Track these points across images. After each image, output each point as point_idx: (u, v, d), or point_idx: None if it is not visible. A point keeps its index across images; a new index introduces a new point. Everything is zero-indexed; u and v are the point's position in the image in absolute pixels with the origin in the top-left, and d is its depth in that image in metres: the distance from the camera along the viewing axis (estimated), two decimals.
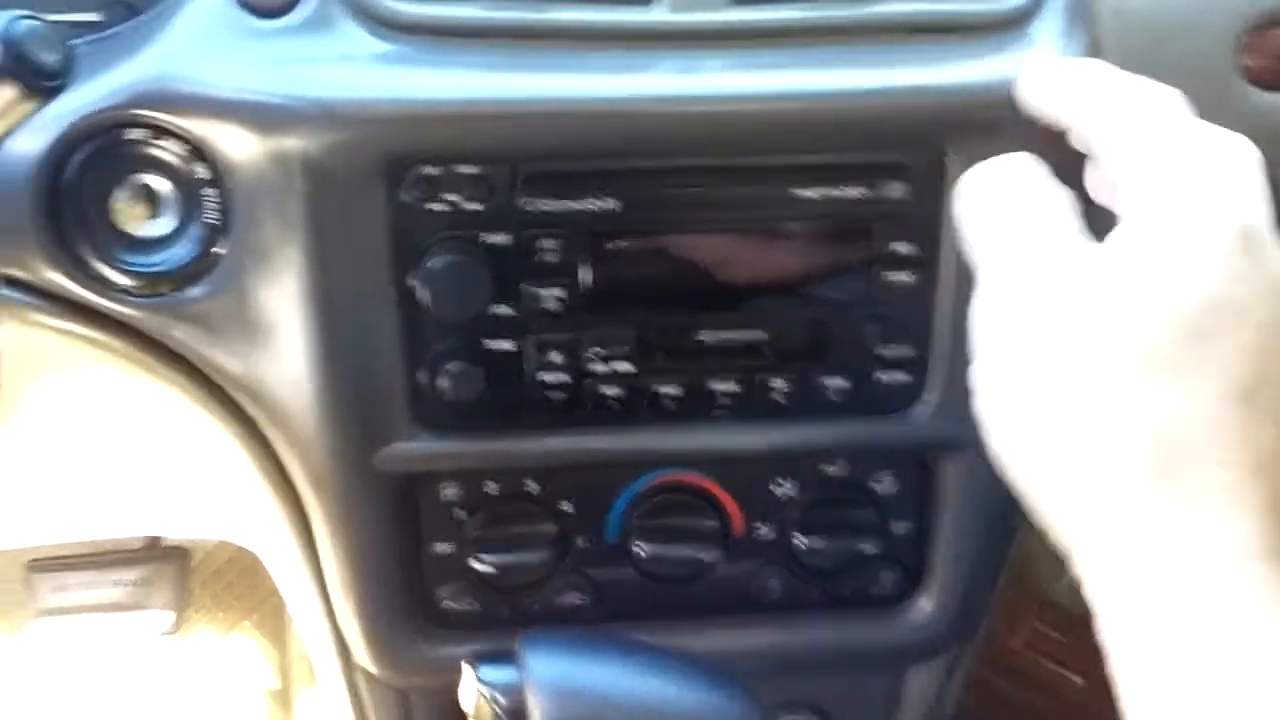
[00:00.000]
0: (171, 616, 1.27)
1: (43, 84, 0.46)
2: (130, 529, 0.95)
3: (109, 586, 1.26)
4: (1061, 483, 0.41)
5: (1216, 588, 0.37)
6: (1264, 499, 0.38)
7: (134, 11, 0.56)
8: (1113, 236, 0.41)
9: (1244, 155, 0.42)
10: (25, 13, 0.47)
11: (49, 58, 0.46)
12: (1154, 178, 0.42)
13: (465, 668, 0.53)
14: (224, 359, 0.58)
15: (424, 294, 0.55)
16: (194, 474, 0.72)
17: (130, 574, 1.28)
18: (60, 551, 1.26)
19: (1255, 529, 0.37)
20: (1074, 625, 1.59)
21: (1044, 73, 0.50)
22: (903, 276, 0.58)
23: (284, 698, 1.50)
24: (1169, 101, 0.44)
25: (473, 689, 0.52)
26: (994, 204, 0.45)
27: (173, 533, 0.99)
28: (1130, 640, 0.39)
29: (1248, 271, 0.39)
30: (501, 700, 0.51)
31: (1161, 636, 0.38)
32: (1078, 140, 0.47)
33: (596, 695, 0.51)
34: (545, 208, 0.55)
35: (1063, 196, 0.44)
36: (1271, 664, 0.36)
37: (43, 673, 1.28)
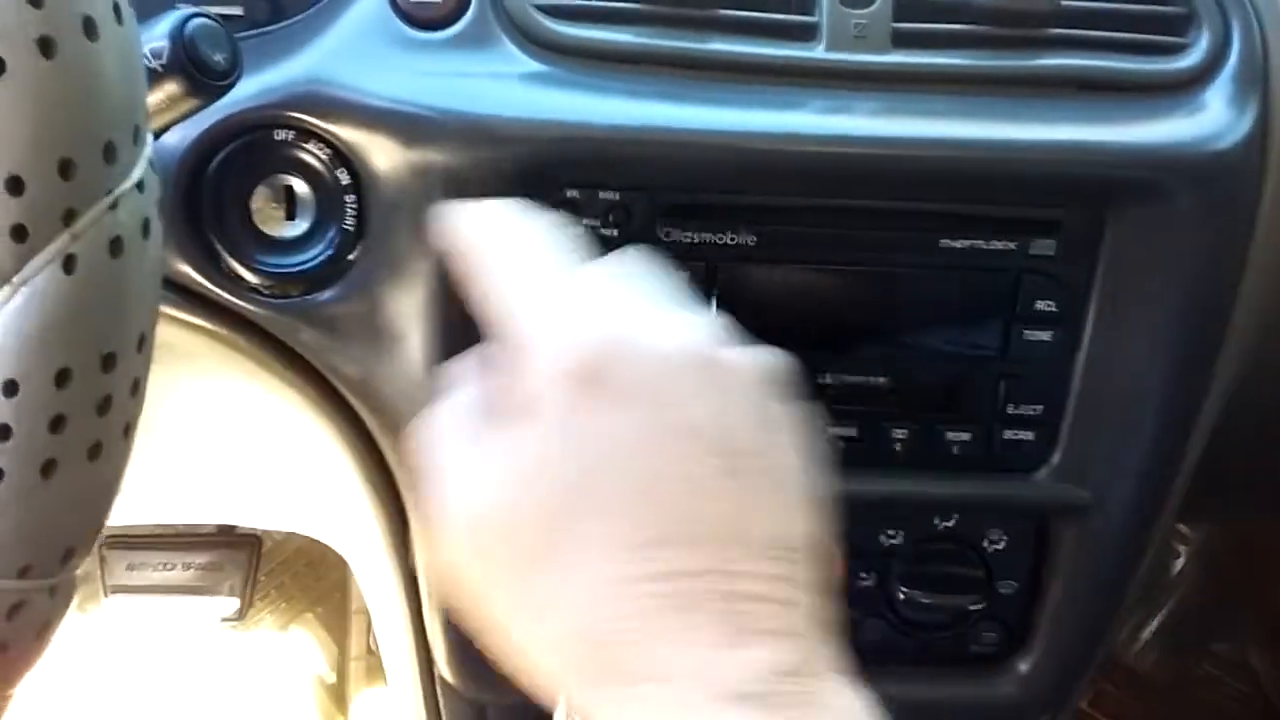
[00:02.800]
0: (236, 603, 1.28)
1: (210, 83, 0.46)
2: (231, 517, 0.95)
3: (179, 569, 1.28)
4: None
5: None
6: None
7: (275, 6, 0.56)
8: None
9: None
10: (194, 9, 0.47)
11: (218, 56, 0.46)
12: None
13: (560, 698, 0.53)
14: (347, 363, 0.58)
15: None
16: (298, 473, 0.73)
17: (201, 558, 1.29)
18: (134, 530, 1.28)
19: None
20: (1143, 690, 1.56)
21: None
22: (1043, 335, 0.56)
23: (339, 695, 1.51)
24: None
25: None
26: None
27: (268, 525, 1.00)
28: None
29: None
30: None
31: None
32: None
33: None
34: (684, 239, 0.55)
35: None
36: None
37: (109, 649, 1.29)
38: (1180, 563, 1.50)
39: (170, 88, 0.46)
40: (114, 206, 0.31)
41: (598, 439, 0.33)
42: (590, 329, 0.34)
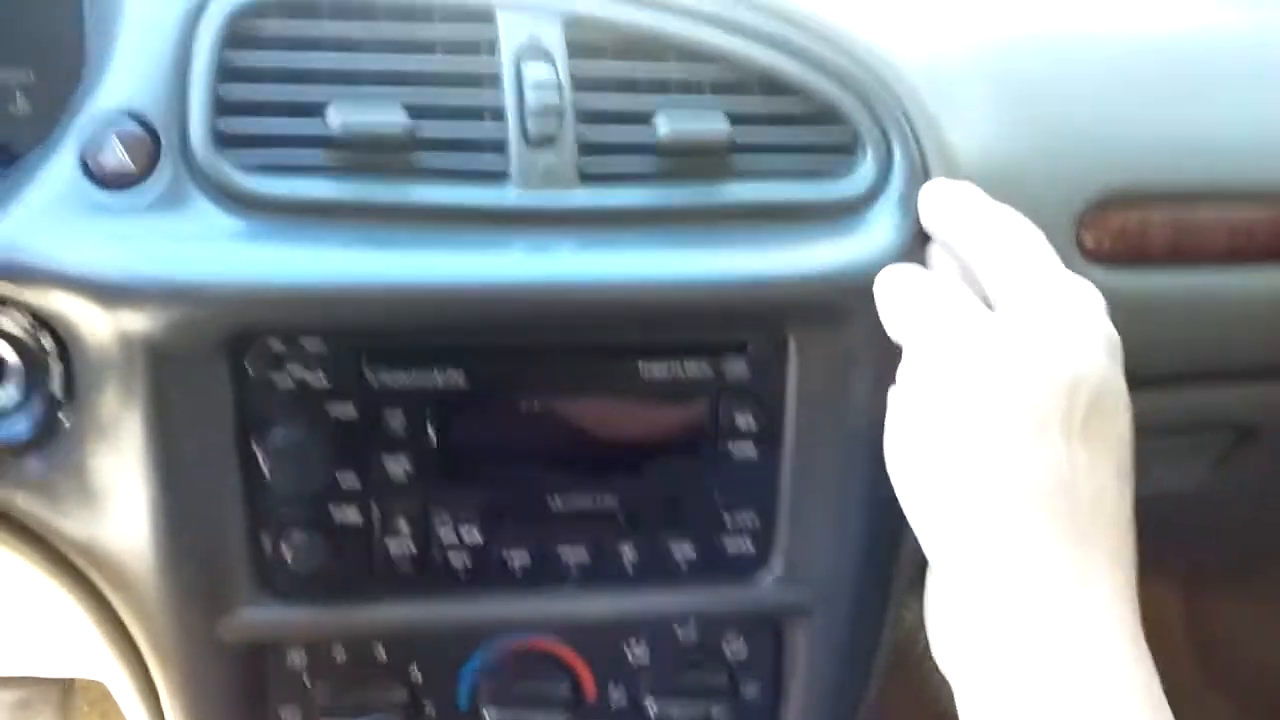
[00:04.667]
0: None
1: None
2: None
3: None
4: (962, 521, 0.47)
5: (1095, 620, 0.44)
6: (1127, 560, 0.47)
7: None
8: (1014, 319, 0.50)
9: (1094, 292, 0.52)
10: None
11: None
12: (1033, 290, 0.50)
13: None
14: (66, 526, 0.57)
15: (267, 466, 0.55)
16: (43, 624, 0.71)
17: (9, 695, 1.24)
18: None
19: (1125, 580, 0.46)
20: None
21: (935, 197, 0.56)
22: (746, 449, 0.59)
23: None
24: (1035, 237, 0.53)
25: None
26: (913, 291, 0.53)
27: (28, 671, 0.97)
28: (1011, 664, 0.45)
29: (1119, 372, 0.49)
30: None
31: (1042, 660, 0.44)
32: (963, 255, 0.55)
33: None
34: (391, 382, 0.56)
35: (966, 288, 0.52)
36: (1121, 683, 0.44)
37: None
38: None
39: None
40: None
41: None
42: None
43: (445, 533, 0.58)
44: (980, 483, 0.46)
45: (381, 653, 0.61)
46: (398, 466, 0.57)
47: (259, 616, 0.58)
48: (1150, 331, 0.59)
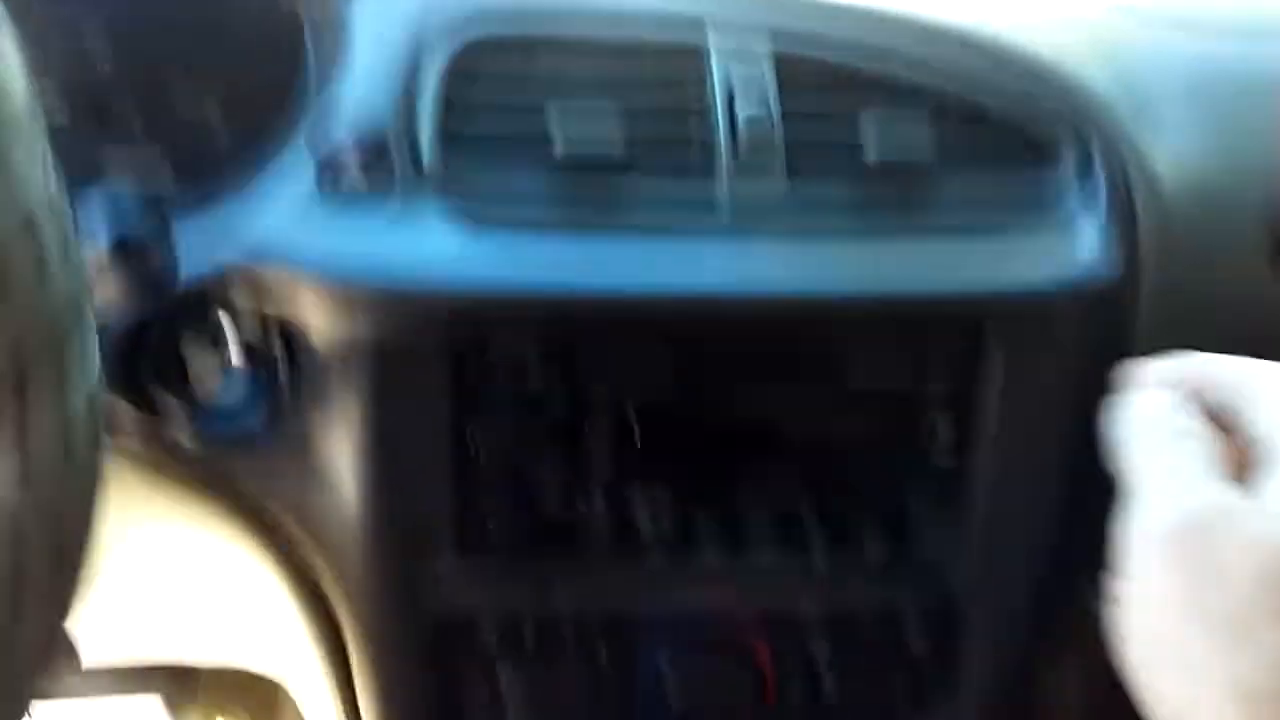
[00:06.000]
0: None
1: (143, 256, 0.48)
2: (178, 653, 0.95)
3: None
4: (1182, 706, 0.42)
5: None
6: None
7: (204, 186, 0.57)
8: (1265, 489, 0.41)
9: None
10: (124, 189, 0.50)
11: (146, 232, 0.49)
12: None
13: None
14: (283, 496, 0.60)
15: (479, 452, 0.58)
16: (234, 604, 0.73)
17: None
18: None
19: None
20: None
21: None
22: (944, 455, 0.60)
23: None
24: None
25: None
26: (1146, 432, 0.44)
27: (208, 658, 0.99)
28: None
29: None
30: None
31: None
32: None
33: None
34: (601, 384, 0.58)
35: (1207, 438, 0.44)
36: None
37: None
38: None
39: (103, 261, 0.48)
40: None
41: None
42: None
43: (643, 525, 0.60)
44: (1194, 674, 0.42)
45: (571, 635, 0.63)
46: (602, 464, 0.59)
47: (458, 586, 0.60)
48: None
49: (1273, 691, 0.39)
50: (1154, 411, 0.45)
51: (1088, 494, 0.57)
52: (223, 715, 1.40)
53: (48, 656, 0.36)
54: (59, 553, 0.34)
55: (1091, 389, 0.54)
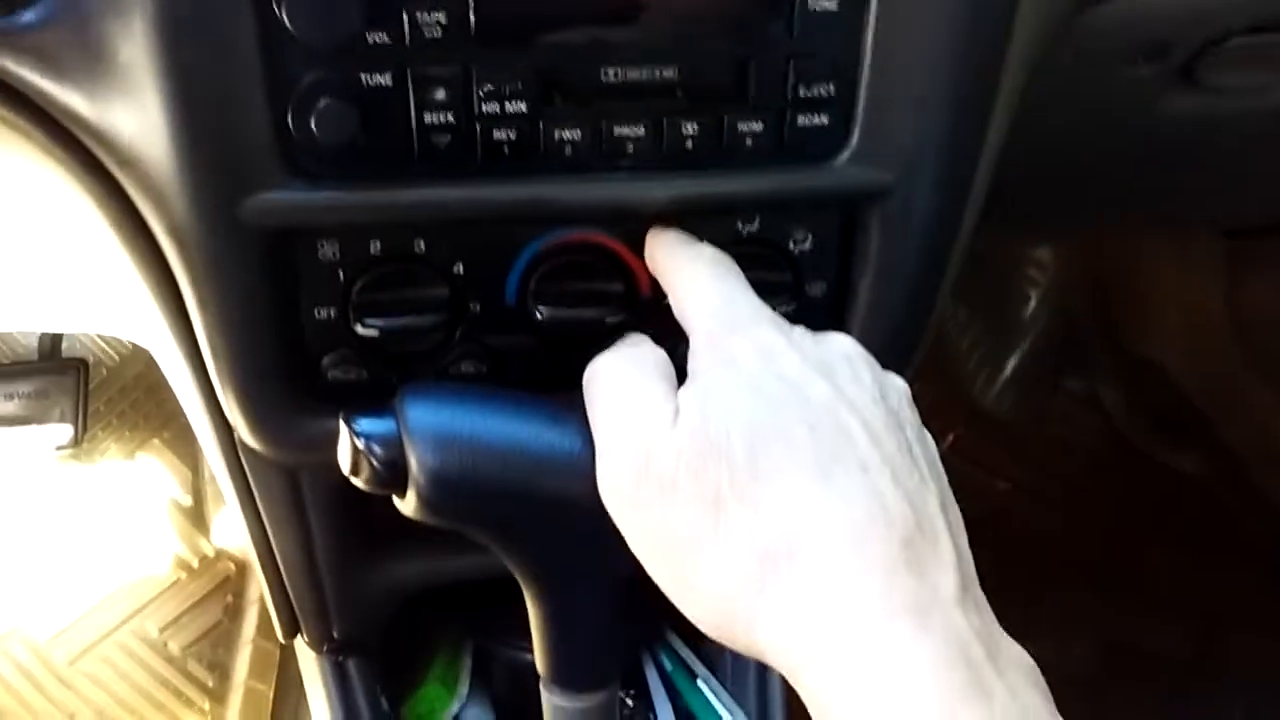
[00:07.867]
0: (69, 430, 1.22)
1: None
2: (33, 323, 0.89)
3: (2, 400, 1.20)
4: (707, 599, 0.45)
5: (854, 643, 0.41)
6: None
7: None
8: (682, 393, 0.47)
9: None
10: None
11: None
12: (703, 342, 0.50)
13: (341, 423, 0.49)
14: (68, 96, 0.51)
15: (285, 13, 0.49)
16: (70, 264, 0.67)
17: (25, 386, 1.22)
18: None
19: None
20: (1001, 431, 1.61)
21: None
22: (828, 6, 0.52)
23: (198, 515, 1.47)
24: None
25: (349, 443, 0.48)
26: (606, 389, 0.50)
27: (58, 327, 0.94)
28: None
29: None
30: (378, 451, 0.47)
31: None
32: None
33: (474, 443, 0.47)
34: None
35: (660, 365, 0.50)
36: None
37: None
38: (1031, 306, 1.52)
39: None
40: None
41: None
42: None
43: (488, 104, 0.52)
44: (702, 569, 0.45)
45: (421, 245, 0.56)
46: (433, 21, 0.50)
47: (285, 198, 0.53)
48: None
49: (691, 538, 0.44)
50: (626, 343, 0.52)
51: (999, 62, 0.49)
52: (129, 428, 1.38)
53: None
54: None
55: None
